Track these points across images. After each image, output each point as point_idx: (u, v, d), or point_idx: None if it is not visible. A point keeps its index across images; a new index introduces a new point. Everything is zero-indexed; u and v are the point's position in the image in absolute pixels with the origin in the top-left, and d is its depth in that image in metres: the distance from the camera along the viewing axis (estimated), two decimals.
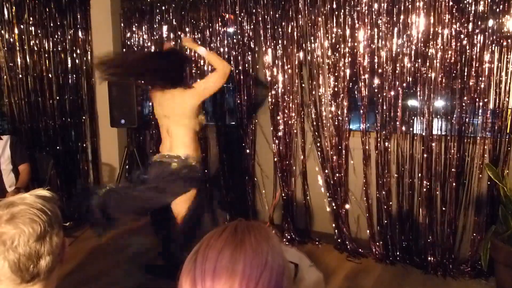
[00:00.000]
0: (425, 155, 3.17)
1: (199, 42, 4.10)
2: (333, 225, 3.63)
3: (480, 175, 3.05)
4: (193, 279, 0.69)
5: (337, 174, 3.55)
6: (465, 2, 2.91)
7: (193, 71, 4.13)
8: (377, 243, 3.41)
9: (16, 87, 3.92)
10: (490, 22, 2.87)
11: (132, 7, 4.49)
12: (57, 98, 4.24)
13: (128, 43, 4.55)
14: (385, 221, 3.37)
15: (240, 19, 3.83)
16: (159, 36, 4.34)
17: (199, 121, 2.94)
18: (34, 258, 0.97)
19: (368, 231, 3.49)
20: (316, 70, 3.51)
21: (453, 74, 3.01)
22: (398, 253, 3.32)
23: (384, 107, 3.28)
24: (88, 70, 4.49)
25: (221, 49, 3.99)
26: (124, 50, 4.55)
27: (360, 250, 3.46)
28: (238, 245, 0.71)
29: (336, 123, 3.49)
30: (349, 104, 3.45)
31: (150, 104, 4.46)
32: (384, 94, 3.26)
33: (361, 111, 3.39)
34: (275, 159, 3.80)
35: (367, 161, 3.43)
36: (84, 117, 4.51)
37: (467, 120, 3.03)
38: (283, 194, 3.80)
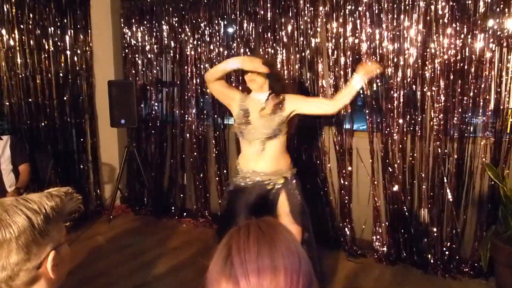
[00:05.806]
0: (425, 155, 3.17)
1: (199, 43, 4.11)
2: (333, 225, 3.63)
3: (481, 175, 3.05)
4: (235, 280, 0.70)
5: (340, 173, 3.55)
6: (465, 2, 2.91)
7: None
8: (377, 243, 3.41)
9: (16, 87, 3.92)
10: (490, 22, 2.87)
11: (132, 7, 4.49)
12: (57, 98, 4.23)
13: (129, 43, 4.55)
14: (385, 221, 3.37)
15: (240, 19, 3.83)
16: (159, 36, 4.35)
17: None
18: None
19: (368, 231, 3.49)
20: (317, 69, 3.51)
21: (453, 74, 3.01)
22: (398, 253, 3.32)
23: (385, 107, 3.28)
24: (88, 70, 4.49)
25: (221, 49, 3.99)
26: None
27: (360, 250, 3.46)
28: (271, 243, 0.73)
29: (339, 122, 3.49)
30: (352, 104, 3.44)
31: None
32: (385, 94, 3.26)
33: (364, 111, 3.38)
34: None
35: (368, 161, 3.43)
36: (84, 117, 4.50)
37: (467, 120, 3.04)
38: None
